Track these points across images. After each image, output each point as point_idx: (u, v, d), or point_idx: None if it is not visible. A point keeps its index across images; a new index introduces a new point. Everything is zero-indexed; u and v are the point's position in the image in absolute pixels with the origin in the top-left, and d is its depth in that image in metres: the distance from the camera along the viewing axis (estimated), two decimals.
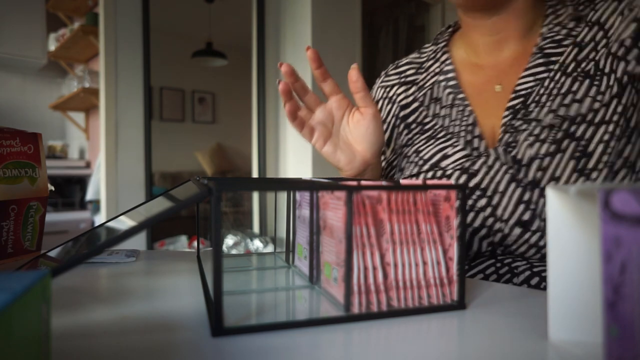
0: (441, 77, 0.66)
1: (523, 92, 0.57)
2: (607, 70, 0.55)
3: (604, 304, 0.19)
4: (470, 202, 0.57)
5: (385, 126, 0.72)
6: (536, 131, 0.54)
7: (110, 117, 2.32)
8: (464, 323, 0.29)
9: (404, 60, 0.74)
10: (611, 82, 0.54)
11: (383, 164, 0.71)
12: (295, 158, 2.49)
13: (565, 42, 0.58)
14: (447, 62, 0.67)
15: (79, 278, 0.43)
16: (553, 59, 0.58)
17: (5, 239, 0.50)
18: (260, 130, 2.58)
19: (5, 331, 0.15)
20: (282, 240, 2.29)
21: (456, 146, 0.60)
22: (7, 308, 0.16)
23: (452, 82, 0.65)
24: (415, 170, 0.62)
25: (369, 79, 0.68)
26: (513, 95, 0.58)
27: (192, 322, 0.29)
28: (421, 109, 0.67)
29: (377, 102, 0.74)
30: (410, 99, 0.69)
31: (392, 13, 3.53)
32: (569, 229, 0.25)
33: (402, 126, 0.69)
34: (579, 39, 0.58)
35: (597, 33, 0.57)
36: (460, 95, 0.63)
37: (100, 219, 2.63)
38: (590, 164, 0.51)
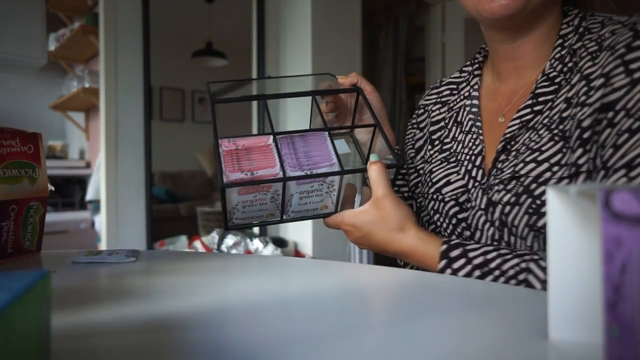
0: (468, 102, 0.68)
1: (508, 135, 0.58)
2: (575, 135, 0.53)
3: (604, 305, 0.19)
4: (458, 231, 0.62)
5: (420, 135, 0.76)
6: (505, 180, 0.56)
7: (110, 117, 2.33)
8: (464, 323, 0.29)
9: (446, 80, 0.77)
10: (574, 146, 0.52)
11: (411, 171, 0.74)
12: None
13: (557, 80, 0.57)
14: (475, 86, 0.68)
15: (79, 278, 0.43)
16: (541, 99, 0.57)
17: (5, 239, 0.50)
18: (260, 130, 2.58)
19: (5, 331, 0.15)
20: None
21: (458, 174, 0.63)
22: (7, 308, 0.16)
23: (474, 109, 0.66)
24: (425, 189, 0.67)
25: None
26: (502, 138, 0.59)
27: (192, 322, 0.29)
28: (445, 129, 0.70)
29: (421, 112, 0.77)
30: (440, 117, 0.72)
31: (392, 13, 3.53)
32: (569, 229, 0.25)
33: (429, 141, 0.72)
34: (573, 80, 0.56)
35: (582, 88, 0.54)
36: (478, 124, 0.64)
37: (100, 219, 2.63)
38: (540, 223, 0.52)
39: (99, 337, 0.27)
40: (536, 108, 0.57)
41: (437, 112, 0.73)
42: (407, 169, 0.75)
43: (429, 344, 0.26)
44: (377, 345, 0.26)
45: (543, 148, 0.54)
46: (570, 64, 0.57)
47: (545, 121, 0.56)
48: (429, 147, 0.71)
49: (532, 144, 0.56)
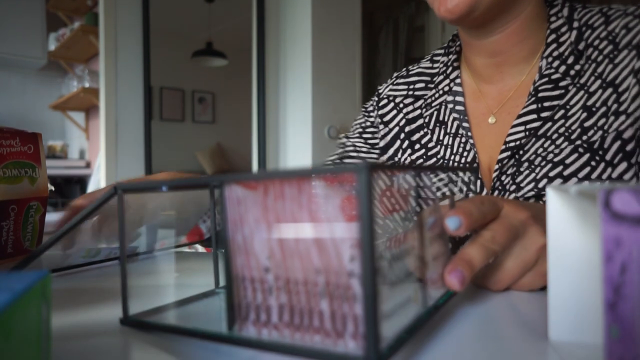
0: (449, 98, 0.61)
1: (512, 145, 0.53)
2: (613, 148, 0.48)
3: (604, 305, 0.19)
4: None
5: (386, 130, 0.67)
6: (521, 197, 0.51)
7: (110, 117, 2.32)
8: (463, 323, 0.29)
9: (415, 69, 0.69)
10: (615, 161, 0.48)
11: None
12: (295, 158, 2.49)
13: (562, 83, 0.52)
14: (457, 81, 0.62)
15: (79, 278, 0.43)
16: (546, 104, 0.52)
17: (5, 239, 0.50)
18: (260, 130, 2.58)
19: (5, 331, 0.15)
20: None
21: (455, 186, 0.57)
22: (7, 308, 0.16)
23: (459, 107, 0.60)
24: None
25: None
26: (503, 147, 0.54)
27: (192, 321, 0.29)
28: (426, 129, 0.63)
29: (385, 104, 0.69)
30: (417, 113, 0.65)
31: (392, 13, 3.53)
32: (569, 229, 0.25)
33: (406, 143, 0.65)
34: (582, 81, 0.52)
35: (610, 96, 0.50)
36: (465, 125, 0.58)
37: None
38: None
39: (99, 337, 0.27)
40: (544, 114, 0.52)
41: (412, 107, 0.65)
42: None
43: (428, 344, 0.26)
44: None
45: (567, 161, 0.50)
46: (577, 67, 0.52)
47: (561, 130, 0.51)
48: (409, 150, 0.64)
49: (551, 155, 0.51)
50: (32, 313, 0.18)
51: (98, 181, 2.77)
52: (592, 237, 0.25)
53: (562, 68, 0.53)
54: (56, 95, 3.60)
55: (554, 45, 0.54)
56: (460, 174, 0.57)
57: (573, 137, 0.51)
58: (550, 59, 0.54)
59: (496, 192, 0.53)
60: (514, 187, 0.52)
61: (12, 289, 0.17)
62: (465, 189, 0.56)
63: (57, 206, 3.27)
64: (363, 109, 0.72)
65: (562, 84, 0.52)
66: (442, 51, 0.66)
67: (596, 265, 0.25)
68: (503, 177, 0.53)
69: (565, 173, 0.50)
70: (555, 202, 0.25)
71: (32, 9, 3.12)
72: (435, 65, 0.66)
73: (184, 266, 0.49)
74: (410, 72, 0.69)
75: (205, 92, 4.58)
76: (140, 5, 2.40)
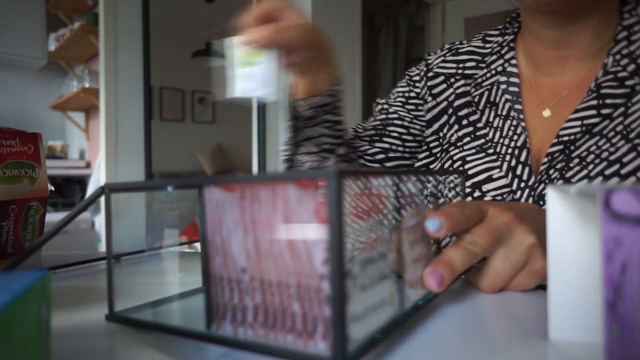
0: (502, 78, 0.59)
1: (565, 139, 0.51)
2: None
3: (604, 305, 0.19)
4: None
5: (434, 103, 0.64)
6: None
7: (110, 117, 2.33)
8: (463, 322, 0.29)
9: (465, 47, 0.65)
10: None
11: (413, 144, 0.66)
12: None
13: (629, 82, 0.50)
14: (512, 62, 0.59)
15: (79, 278, 0.43)
16: (608, 101, 0.50)
17: (5, 239, 0.50)
18: (260, 130, 2.58)
19: (5, 331, 0.15)
20: None
21: (500, 171, 0.55)
22: (7, 308, 0.16)
23: (512, 89, 0.57)
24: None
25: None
26: (555, 141, 0.52)
27: (193, 321, 0.29)
28: (474, 108, 0.61)
29: (434, 75, 0.65)
30: (465, 90, 0.62)
31: (392, 13, 3.53)
32: (570, 229, 0.25)
33: (453, 118, 0.62)
34: None
35: None
36: (517, 107, 0.56)
37: (100, 219, 2.63)
38: None
39: (99, 337, 0.27)
40: (604, 111, 0.50)
41: (462, 82, 0.63)
42: (402, 139, 0.65)
43: (427, 344, 0.25)
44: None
45: (624, 160, 0.48)
46: None
47: (619, 129, 0.50)
48: (456, 126, 0.61)
49: (606, 154, 0.49)
50: (32, 313, 0.18)
51: (98, 181, 2.77)
52: (592, 237, 0.25)
53: (631, 67, 0.51)
54: (56, 96, 3.59)
55: (624, 43, 0.52)
56: (507, 159, 0.55)
57: (631, 135, 0.49)
58: (618, 57, 0.52)
59: (542, 185, 0.52)
60: (561, 182, 0.51)
61: (12, 289, 0.17)
62: (516, 179, 0.53)
63: (57, 206, 3.27)
64: (408, 77, 0.69)
65: (628, 82, 0.51)
66: (496, 32, 0.64)
67: (596, 265, 0.25)
68: (551, 171, 0.52)
69: (623, 172, 0.48)
70: (555, 202, 0.25)
71: (32, 9, 3.11)
72: (488, 45, 0.63)
73: (181, 265, 0.49)
74: (460, 50, 0.66)
75: (205, 92, 4.58)
76: (140, 5, 2.40)
